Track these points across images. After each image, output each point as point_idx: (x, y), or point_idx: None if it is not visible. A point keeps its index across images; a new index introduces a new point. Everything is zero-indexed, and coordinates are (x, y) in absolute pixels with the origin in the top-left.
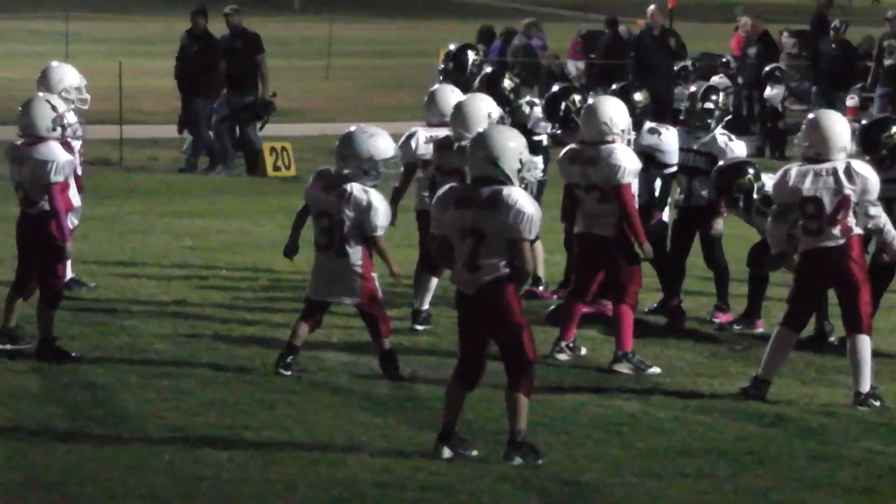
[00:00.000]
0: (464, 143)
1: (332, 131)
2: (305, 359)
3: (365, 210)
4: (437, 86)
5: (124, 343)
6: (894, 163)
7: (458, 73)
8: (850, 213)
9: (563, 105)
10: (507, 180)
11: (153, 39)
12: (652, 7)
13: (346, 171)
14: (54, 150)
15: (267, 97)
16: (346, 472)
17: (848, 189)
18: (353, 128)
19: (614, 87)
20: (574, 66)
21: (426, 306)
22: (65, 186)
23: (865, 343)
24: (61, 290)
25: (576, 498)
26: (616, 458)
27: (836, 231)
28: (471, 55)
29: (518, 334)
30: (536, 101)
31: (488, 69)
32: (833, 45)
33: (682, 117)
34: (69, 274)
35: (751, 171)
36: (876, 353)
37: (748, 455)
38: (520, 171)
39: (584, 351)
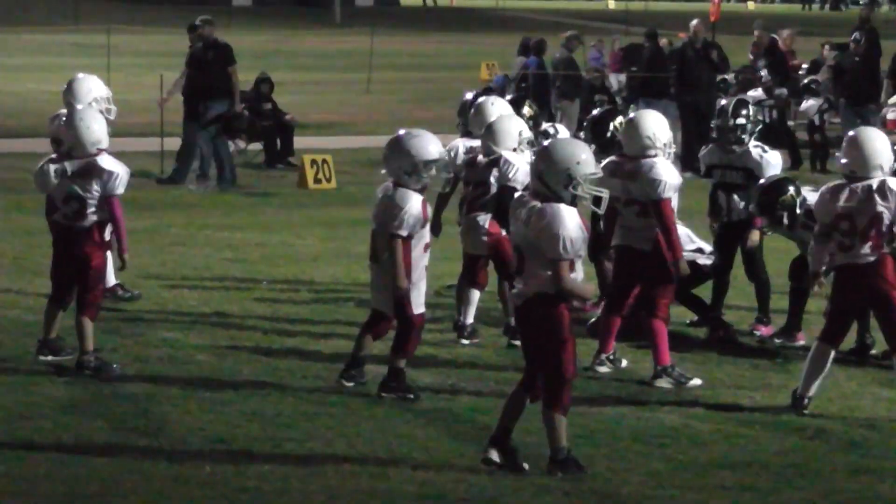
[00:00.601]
0: (492, 157)
1: (373, 144)
2: None
3: (389, 210)
4: (482, 98)
5: (165, 355)
6: None
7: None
8: (883, 231)
9: (609, 127)
10: (552, 195)
11: None
12: (695, 21)
13: (388, 174)
14: (115, 162)
15: (238, 110)
16: (386, 483)
17: (881, 206)
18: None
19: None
20: (616, 80)
21: (471, 320)
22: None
23: None
24: (100, 302)
25: None
26: (657, 471)
27: (867, 248)
28: (524, 111)
29: (557, 351)
30: (557, 127)
31: (509, 97)
32: (856, 59)
33: (714, 134)
34: (112, 280)
35: (791, 188)
36: None
37: (790, 468)
38: (570, 186)
39: (625, 363)
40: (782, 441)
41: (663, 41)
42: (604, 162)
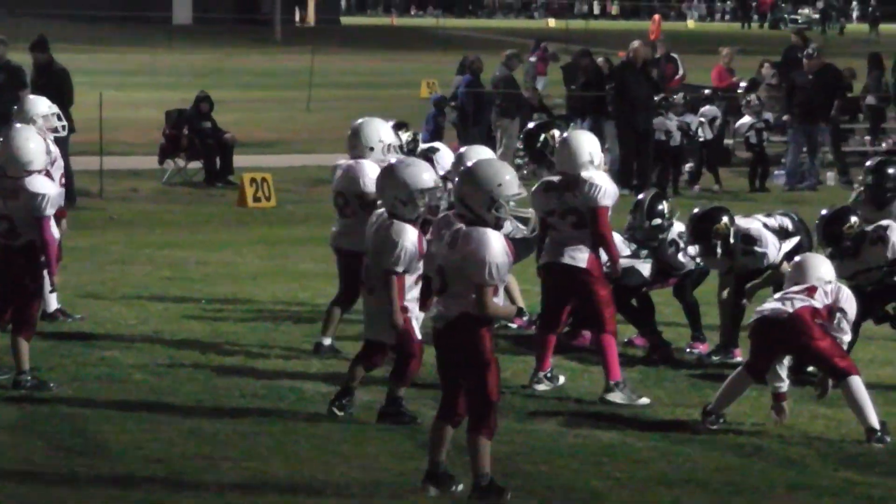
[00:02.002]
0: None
1: (313, 162)
2: (284, 389)
3: (385, 245)
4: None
5: (103, 373)
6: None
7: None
8: None
9: (541, 138)
10: (476, 219)
11: (135, 71)
12: (636, 42)
13: (382, 204)
14: (45, 184)
15: None
16: (324, 502)
17: None
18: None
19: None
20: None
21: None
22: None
23: (856, 382)
24: (35, 321)
25: None
26: (595, 489)
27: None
28: (403, 136)
29: (482, 373)
30: (438, 146)
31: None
32: (809, 77)
33: (628, 232)
34: (54, 304)
35: (725, 217)
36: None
37: (727, 485)
38: (493, 209)
39: (562, 380)
40: (720, 458)
41: (600, 60)
42: (537, 184)
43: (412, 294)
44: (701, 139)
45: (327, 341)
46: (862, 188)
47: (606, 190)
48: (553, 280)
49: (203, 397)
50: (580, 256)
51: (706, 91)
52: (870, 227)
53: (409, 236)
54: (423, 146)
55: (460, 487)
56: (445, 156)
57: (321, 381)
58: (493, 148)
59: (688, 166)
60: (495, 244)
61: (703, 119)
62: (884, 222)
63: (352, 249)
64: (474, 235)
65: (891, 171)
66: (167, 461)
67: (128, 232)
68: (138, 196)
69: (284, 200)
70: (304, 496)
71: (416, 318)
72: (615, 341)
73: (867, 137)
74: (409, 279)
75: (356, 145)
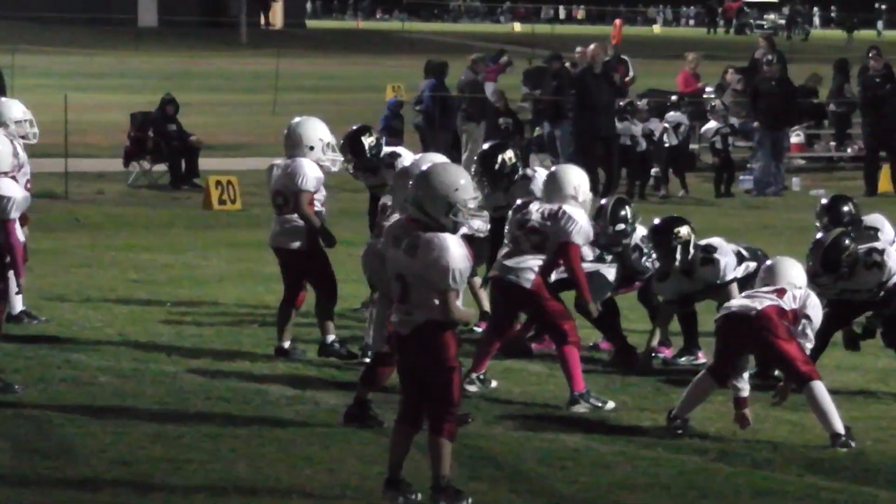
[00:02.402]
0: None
1: None
2: (250, 392)
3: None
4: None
5: (68, 376)
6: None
7: (359, 160)
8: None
9: (497, 160)
10: (433, 224)
11: (101, 74)
12: (593, 45)
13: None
14: (11, 187)
15: None
16: None
17: None
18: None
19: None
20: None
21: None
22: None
23: (819, 387)
24: (0, 323)
25: None
26: (560, 493)
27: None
28: (365, 141)
29: (447, 378)
30: (400, 150)
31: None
32: (773, 83)
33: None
34: (20, 306)
35: (684, 227)
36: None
37: (692, 490)
38: (450, 213)
39: (494, 384)
40: (684, 463)
41: (567, 64)
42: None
43: None
44: (666, 145)
45: (287, 344)
46: (822, 229)
47: (581, 227)
48: (502, 295)
49: (168, 400)
50: (526, 277)
51: (672, 97)
52: (861, 250)
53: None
54: (386, 150)
55: (419, 497)
56: (407, 161)
57: (287, 385)
58: (459, 152)
59: (654, 171)
60: (455, 250)
61: (667, 125)
62: (878, 245)
63: (291, 248)
64: (435, 242)
65: (844, 208)
66: (133, 464)
67: (93, 234)
68: (104, 198)
69: (250, 204)
70: (269, 499)
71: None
72: (577, 352)
73: (832, 143)
74: None
75: (296, 144)
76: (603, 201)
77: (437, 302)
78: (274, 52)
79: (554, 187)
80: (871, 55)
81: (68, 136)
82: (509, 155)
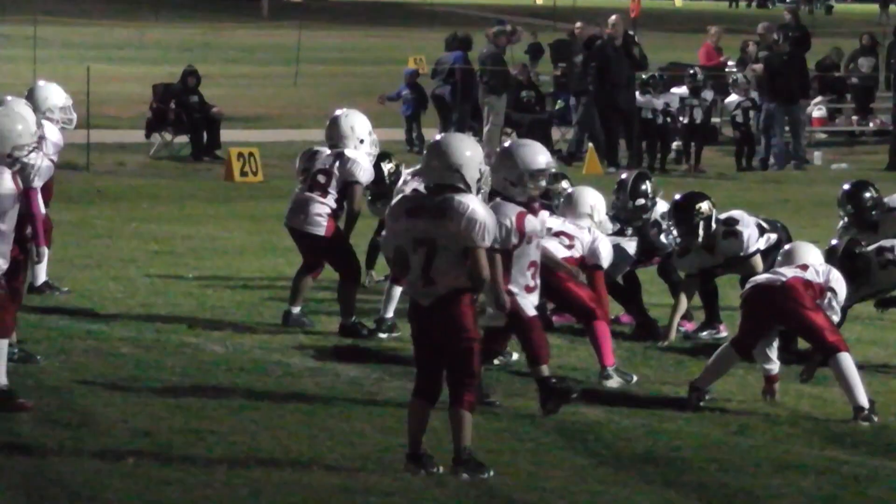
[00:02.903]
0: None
1: (300, 137)
2: (271, 364)
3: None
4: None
5: (90, 347)
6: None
7: (377, 187)
8: None
9: (383, 169)
10: (466, 188)
11: (121, 45)
12: (614, 17)
13: (493, 185)
14: (34, 154)
15: None
16: (311, 476)
17: None
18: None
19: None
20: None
21: (390, 314)
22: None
23: (846, 359)
24: (21, 294)
25: None
26: (581, 466)
27: None
28: (385, 167)
29: (469, 349)
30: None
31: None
32: (783, 57)
33: (612, 211)
34: (42, 277)
35: (705, 202)
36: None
37: (712, 463)
38: (479, 180)
39: (515, 356)
40: (705, 436)
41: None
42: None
43: (522, 279)
44: (685, 121)
45: (296, 309)
46: (846, 217)
47: (602, 253)
48: None
49: (190, 371)
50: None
51: (691, 70)
52: (870, 249)
53: (505, 212)
54: (406, 172)
55: (441, 469)
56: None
57: (308, 357)
58: (480, 125)
59: (675, 144)
60: (483, 208)
61: (688, 102)
62: (885, 243)
63: (313, 233)
64: (465, 201)
65: (866, 194)
66: (154, 434)
67: (114, 206)
68: (125, 170)
69: (271, 175)
70: (290, 471)
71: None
72: (607, 328)
73: (854, 117)
74: (521, 263)
75: (345, 136)
76: (623, 175)
77: (458, 271)
78: (295, 24)
79: (569, 207)
80: None
81: (90, 108)
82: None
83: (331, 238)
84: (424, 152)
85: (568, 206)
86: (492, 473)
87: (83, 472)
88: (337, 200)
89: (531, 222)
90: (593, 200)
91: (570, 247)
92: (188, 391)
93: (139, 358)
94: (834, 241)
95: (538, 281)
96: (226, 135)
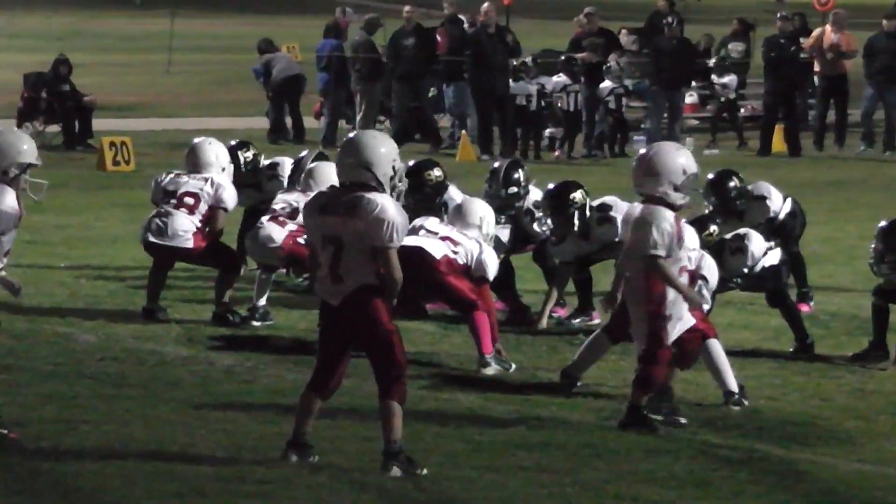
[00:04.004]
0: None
1: (173, 126)
2: (144, 352)
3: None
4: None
5: None
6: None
7: (236, 176)
8: None
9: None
10: (378, 186)
11: None
12: (486, 4)
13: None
14: None
15: None
16: (185, 465)
17: None
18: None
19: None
20: None
21: (263, 302)
22: None
23: (715, 345)
24: None
25: (414, 492)
26: (455, 452)
27: None
28: (242, 155)
29: (388, 341)
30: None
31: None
32: (673, 42)
33: (484, 198)
34: None
35: (579, 191)
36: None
37: (586, 448)
38: (392, 178)
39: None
40: (579, 421)
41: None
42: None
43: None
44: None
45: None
46: (710, 206)
47: (489, 265)
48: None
49: (62, 360)
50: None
51: (563, 57)
52: (729, 236)
53: (666, 218)
54: (265, 162)
55: (315, 459)
56: (287, 167)
57: (182, 345)
58: (353, 112)
59: (548, 131)
60: (393, 207)
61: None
62: (741, 231)
63: (182, 247)
64: (376, 200)
65: (730, 184)
66: (26, 424)
67: None
68: None
69: (144, 164)
70: (164, 460)
71: (680, 319)
72: (486, 318)
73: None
74: (674, 268)
75: (210, 163)
76: (496, 164)
77: (368, 267)
78: (167, 12)
79: (457, 217)
80: (779, 16)
81: None
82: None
83: (197, 248)
84: (339, 149)
85: (457, 217)
86: (425, 471)
87: None
88: (202, 222)
89: (685, 227)
90: (483, 212)
91: (454, 252)
92: (60, 380)
93: (11, 347)
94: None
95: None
96: (98, 124)
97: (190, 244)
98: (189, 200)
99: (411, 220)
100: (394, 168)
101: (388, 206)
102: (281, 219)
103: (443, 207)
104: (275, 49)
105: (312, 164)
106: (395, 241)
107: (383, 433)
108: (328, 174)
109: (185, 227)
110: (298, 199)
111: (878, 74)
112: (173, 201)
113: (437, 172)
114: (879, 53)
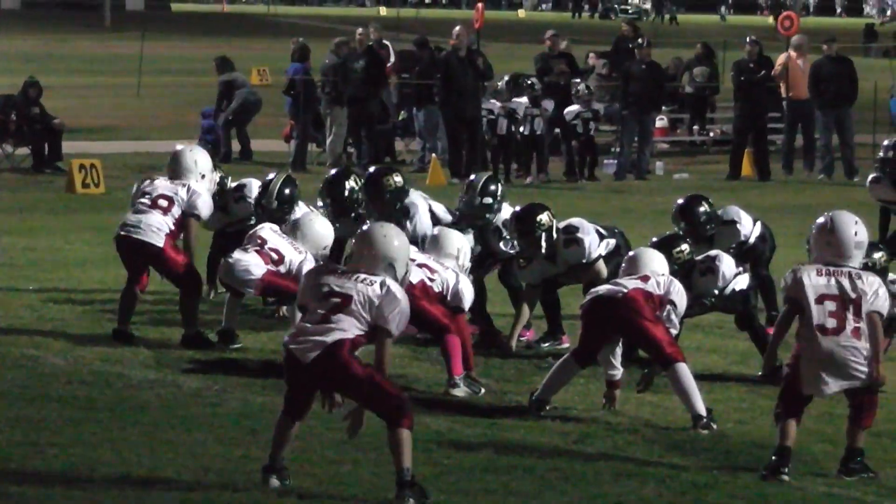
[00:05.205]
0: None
1: (143, 149)
2: (112, 375)
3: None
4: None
5: None
6: None
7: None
8: None
9: (346, 187)
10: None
11: None
12: (458, 28)
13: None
14: None
15: None
16: (152, 490)
17: None
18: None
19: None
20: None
21: (232, 326)
22: None
23: (683, 369)
24: None
25: None
26: (422, 476)
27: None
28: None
29: (372, 384)
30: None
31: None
32: (643, 67)
33: (459, 208)
34: None
35: (545, 213)
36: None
37: (554, 472)
38: (405, 276)
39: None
40: (547, 445)
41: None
42: None
43: None
44: (525, 132)
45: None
46: (680, 232)
47: (465, 295)
48: None
49: (29, 384)
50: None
51: (528, 81)
52: (699, 258)
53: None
54: (231, 185)
55: (290, 481)
56: (254, 188)
57: (150, 368)
58: (324, 136)
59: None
60: (406, 300)
61: (536, 111)
62: (712, 252)
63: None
64: (401, 292)
65: (700, 209)
66: None
67: None
68: None
69: (113, 187)
70: (131, 484)
71: None
72: (458, 341)
73: (695, 127)
74: None
75: (189, 169)
76: (473, 176)
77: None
78: (137, 35)
79: (434, 248)
80: (748, 40)
81: None
82: (353, 183)
83: (167, 250)
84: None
85: (434, 247)
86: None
87: None
88: (175, 225)
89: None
90: (460, 244)
91: (430, 279)
92: (28, 403)
93: None
94: (654, 239)
95: None
96: (67, 146)
97: (160, 242)
98: (163, 203)
99: None
100: (407, 265)
101: (405, 301)
102: (264, 254)
103: (405, 213)
104: (232, 68)
105: (301, 217)
106: (396, 330)
107: (395, 462)
108: (322, 234)
109: (157, 224)
110: (289, 250)
111: (829, 100)
112: (148, 201)
113: (396, 178)
114: (825, 80)
